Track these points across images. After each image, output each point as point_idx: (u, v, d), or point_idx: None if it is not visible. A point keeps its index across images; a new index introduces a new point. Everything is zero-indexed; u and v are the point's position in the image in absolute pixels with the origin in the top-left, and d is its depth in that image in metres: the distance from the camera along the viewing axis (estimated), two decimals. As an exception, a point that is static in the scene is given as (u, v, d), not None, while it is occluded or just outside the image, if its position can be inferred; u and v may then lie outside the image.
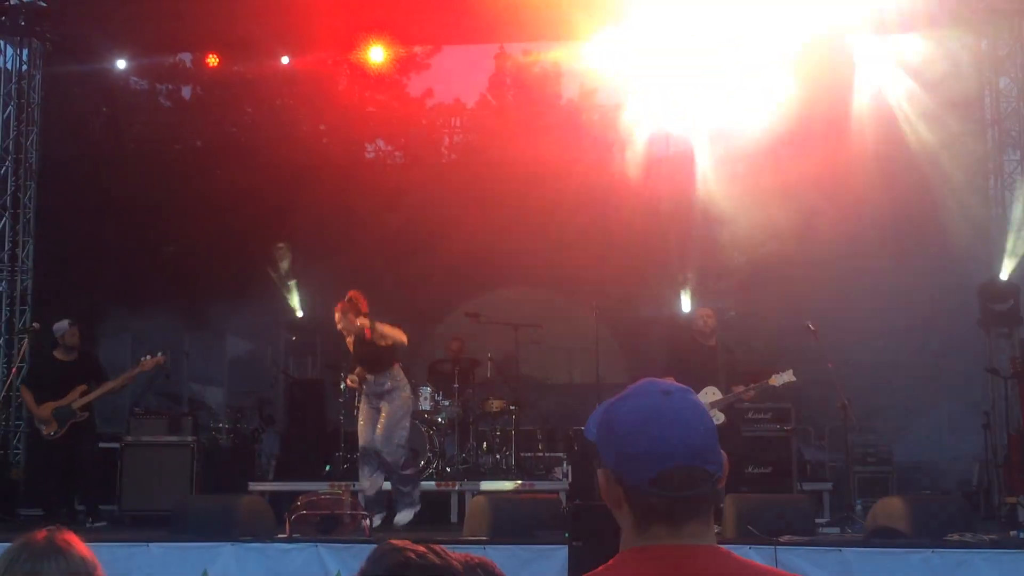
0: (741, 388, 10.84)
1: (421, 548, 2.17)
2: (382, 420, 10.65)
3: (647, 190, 15.28)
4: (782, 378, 10.63)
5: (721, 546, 2.08)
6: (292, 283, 16.54)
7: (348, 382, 11.21)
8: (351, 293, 10.85)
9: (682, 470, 2.01)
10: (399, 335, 10.67)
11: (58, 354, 11.71)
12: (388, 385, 10.78)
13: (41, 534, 2.70)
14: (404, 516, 10.79)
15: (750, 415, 12.37)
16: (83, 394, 11.46)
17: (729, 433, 10.75)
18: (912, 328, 13.95)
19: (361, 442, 10.81)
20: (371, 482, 10.75)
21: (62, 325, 11.64)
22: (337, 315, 10.79)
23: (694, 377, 10.73)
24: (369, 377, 10.80)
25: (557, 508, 9.82)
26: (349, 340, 10.89)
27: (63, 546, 2.67)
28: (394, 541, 2.22)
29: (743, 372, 11.19)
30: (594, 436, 2.14)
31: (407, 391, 10.97)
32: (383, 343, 10.67)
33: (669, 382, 2.14)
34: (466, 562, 2.25)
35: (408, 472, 10.94)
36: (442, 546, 2.23)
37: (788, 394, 11.98)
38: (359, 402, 12.96)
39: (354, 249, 16.35)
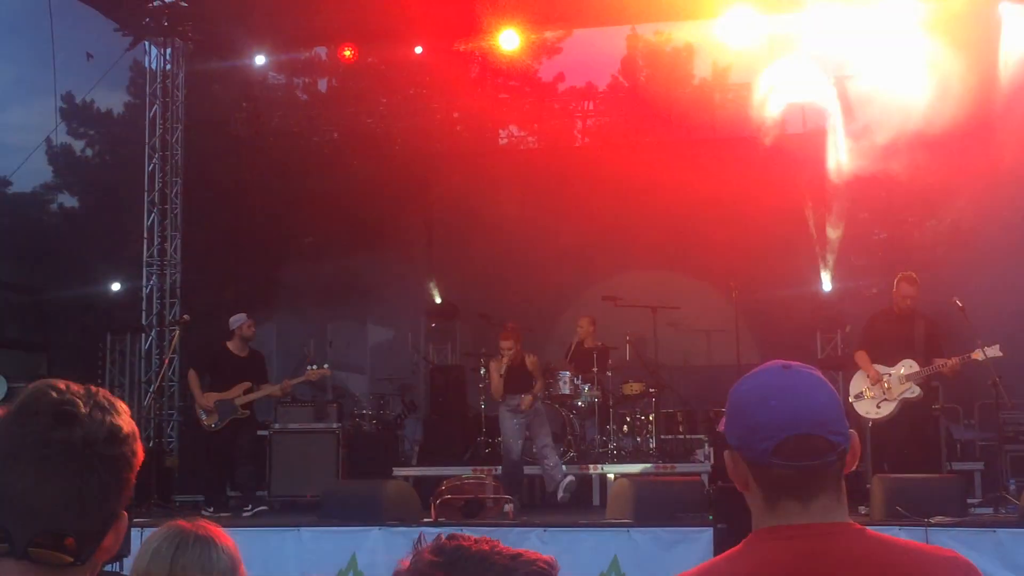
0: (941, 361, 10.34)
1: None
2: (530, 434, 11.66)
3: (782, 167, 15.04)
4: (989, 352, 10.04)
5: (854, 522, 2.05)
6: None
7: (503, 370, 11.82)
8: (512, 325, 11.98)
9: (803, 439, 2.00)
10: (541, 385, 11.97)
11: (231, 347, 11.84)
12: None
13: (189, 524, 2.77)
14: (566, 491, 11.42)
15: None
16: (246, 392, 11.65)
17: (922, 414, 10.48)
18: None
19: (513, 456, 11.53)
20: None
21: (239, 318, 11.82)
22: (507, 342, 11.60)
23: (890, 350, 10.49)
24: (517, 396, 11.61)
25: (700, 490, 9.77)
26: (504, 360, 11.58)
27: (212, 535, 2.74)
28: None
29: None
30: (722, 423, 2.15)
31: (541, 404, 11.94)
32: (531, 369, 11.69)
33: (791, 361, 2.13)
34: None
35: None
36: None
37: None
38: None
39: (490, 234, 16.47)
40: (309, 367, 12.18)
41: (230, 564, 2.72)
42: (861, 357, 10.64)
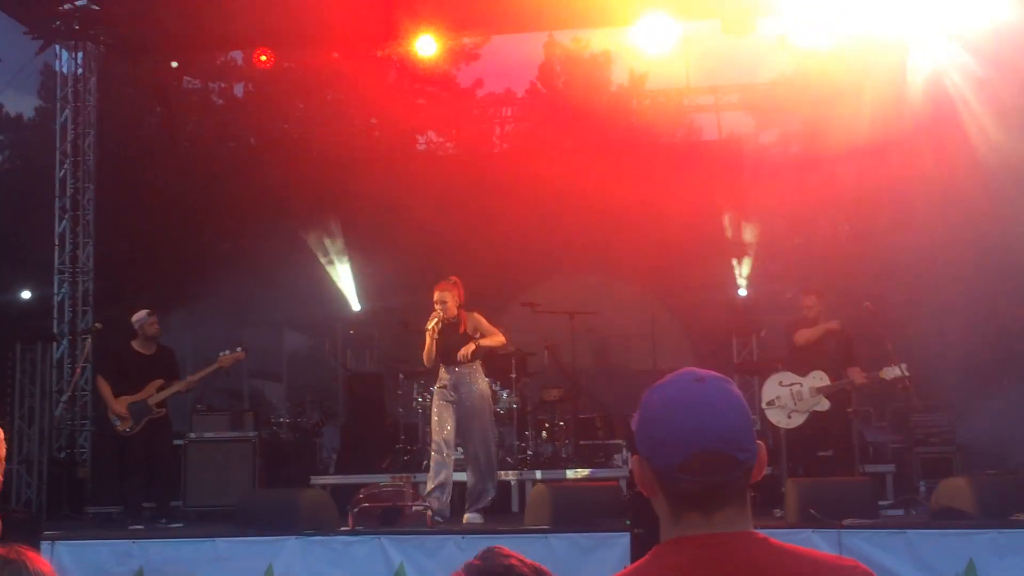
0: (849, 377, 10.59)
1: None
2: (471, 420, 10.27)
3: (698, 173, 15.20)
4: (892, 372, 10.35)
5: (757, 531, 2.08)
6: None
7: (432, 327, 10.24)
8: (455, 278, 10.42)
9: (709, 455, 2.02)
10: (500, 340, 10.43)
11: (136, 345, 11.31)
12: (470, 380, 10.33)
13: (1, 548, 2.68)
14: (476, 517, 10.22)
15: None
16: (159, 389, 11.13)
17: (833, 420, 10.67)
18: (972, 305, 13.78)
19: (435, 436, 10.28)
20: (442, 477, 10.18)
21: (141, 315, 11.27)
22: (441, 294, 10.19)
23: (802, 359, 10.70)
24: (450, 369, 10.33)
25: (618, 495, 9.79)
26: (433, 325, 10.22)
27: (24, 560, 2.67)
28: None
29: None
30: (634, 425, 2.16)
31: (486, 385, 10.55)
32: (472, 334, 10.27)
33: (705, 371, 2.14)
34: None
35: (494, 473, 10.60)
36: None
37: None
38: (417, 396, 12.98)
39: (407, 240, 16.45)
40: (221, 353, 11.46)
41: None
42: (802, 335, 10.85)
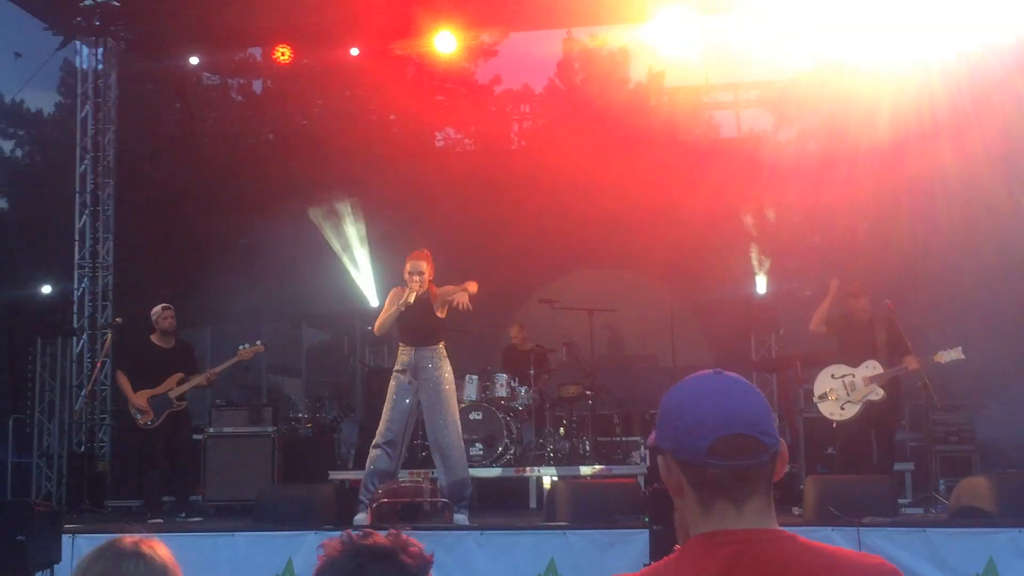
0: (902, 364, 10.43)
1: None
2: (436, 408, 9.54)
3: (717, 170, 15.16)
4: (949, 355, 10.20)
5: (784, 528, 2.09)
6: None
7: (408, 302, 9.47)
8: (427, 250, 9.76)
9: (736, 438, 2.04)
10: (473, 284, 9.49)
11: (155, 339, 11.39)
12: (433, 363, 9.60)
13: (129, 539, 2.72)
14: (463, 517, 9.63)
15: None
16: (179, 383, 11.21)
17: (888, 409, 10.61)
18: (991, 302, 13.73)
19: (384, 428, 9.60)
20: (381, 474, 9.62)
21: (156, 309, 11.40)
22: (416, 263, 9.56)
23: (853, 351, 10.63)
24: (410, 349, 9.63)
25: (636, 492, 9.79)
26: (411, 290, 9.49)
27: (146, 550, 2.69)
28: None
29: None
30: (652, 437, 2.19)
31: (450, 372, 9.67)
32: (441, 314, 9.59)
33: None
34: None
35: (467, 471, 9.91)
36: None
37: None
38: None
39: (425, 237, 16.37)
40: (241, 346, 11.46)
41: None
42: (815, 321, 10.86)
